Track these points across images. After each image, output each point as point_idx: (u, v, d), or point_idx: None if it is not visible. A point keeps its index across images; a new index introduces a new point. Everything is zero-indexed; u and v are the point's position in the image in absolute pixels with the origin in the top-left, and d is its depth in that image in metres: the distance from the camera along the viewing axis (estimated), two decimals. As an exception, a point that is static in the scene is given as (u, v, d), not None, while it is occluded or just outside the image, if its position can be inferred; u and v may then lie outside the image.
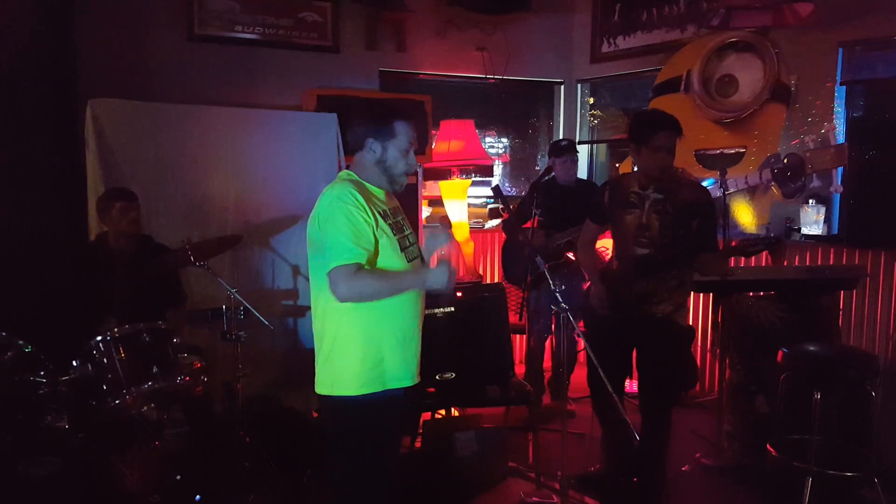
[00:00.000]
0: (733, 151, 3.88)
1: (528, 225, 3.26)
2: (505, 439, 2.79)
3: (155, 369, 2.27)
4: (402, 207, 1.88)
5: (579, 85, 4.83)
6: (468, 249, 4.17)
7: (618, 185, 2.53)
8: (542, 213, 3.28)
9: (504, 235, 3.88)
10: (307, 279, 3.46)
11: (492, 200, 4.74)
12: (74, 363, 2.22)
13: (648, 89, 4.24)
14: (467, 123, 4.23)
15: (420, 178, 3.92)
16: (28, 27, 2.86)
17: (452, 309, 2.75)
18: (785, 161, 3.66)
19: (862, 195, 3.34)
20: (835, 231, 3.61)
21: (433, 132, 4.27)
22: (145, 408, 2.30)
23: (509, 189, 4.95)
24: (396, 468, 1.87)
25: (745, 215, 3.84)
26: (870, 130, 3.38)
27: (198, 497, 2.25)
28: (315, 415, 2.95)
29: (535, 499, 2.58)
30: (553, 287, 1.90)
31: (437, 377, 2.65)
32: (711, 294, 3.50)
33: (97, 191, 2.83)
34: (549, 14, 4.63)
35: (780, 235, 3.02)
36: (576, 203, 3.34)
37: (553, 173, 3.51)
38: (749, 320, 2.90)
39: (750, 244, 2.52)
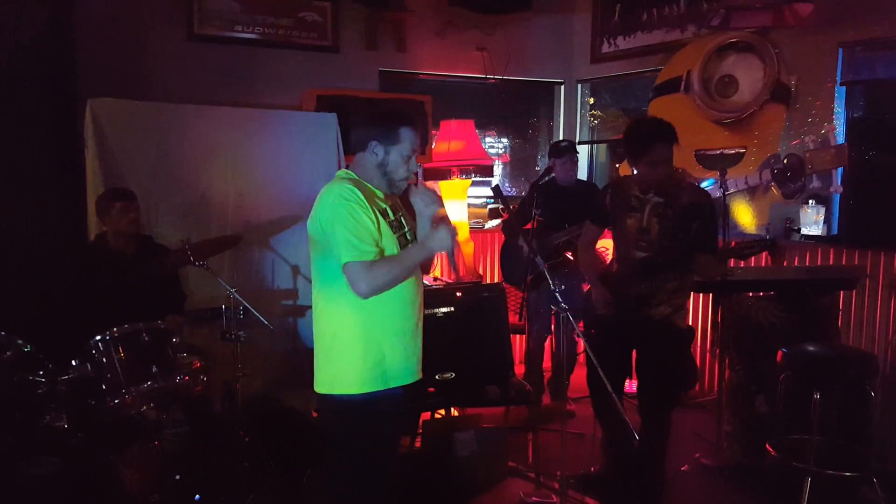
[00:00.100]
0: (733, 152, 3.88)
1: (529, 226, 3.26)
2: (504, 439, 2.79)
3: (154, 369, 2.27)
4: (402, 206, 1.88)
5: (579, 85, 4.83)
6: (468, 249, 4.17)
7: (619, 187, 2.54)
8: (542, 213, 3.28)
9: (503, 236, 3.88)
10: (306, 279, 3.49)
11: (492, 200, 4.74)
12: (73, 363, 2.22)
13: (648, 90, 4.24)
14: (467, 123, 4.23)
15: (420, 178, 3.92)
16: (28, 27, 2.86)
17: (452, 309, 2.75)
18: (785, 161, 3.67)
19: (862, 196, 3.34)
20: (834, 231, 3.61)
21: (433, 132, 4.27)
22: (144, 407, 2.30)
23: (509, 189, 4.95)
24: (396, 468, 1.87)
25: (744, 216, 3.85)
26: (870, 131, 3.38)
27: (197, 497, 2.25)
28: (314, 414, 2.95)
29: (534, 499, 2.58)
30: (553, 287, 1.90)
31: (436, 377, 2.65)
32: (711, 294, 3.50)
33: (97, 190, 2.83)
34: (550, 14, 4.63)
35: (776, 238, 3.02)
36: (575, 203, 3.35)
37: (553, 174, 3.51)
38: (749, 320, 2.90)
39: (745, 247, 2.52)
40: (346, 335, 1.69)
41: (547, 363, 3.71)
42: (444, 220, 1.69)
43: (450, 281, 3.98)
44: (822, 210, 3.63)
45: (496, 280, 4.22)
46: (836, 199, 3.62)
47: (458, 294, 2.81)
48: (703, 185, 3.78)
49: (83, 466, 2.08)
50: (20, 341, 2.16)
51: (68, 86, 3.11)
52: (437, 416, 2.96)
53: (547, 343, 3.67)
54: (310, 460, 2.54)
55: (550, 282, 1.89)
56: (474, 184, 4.39)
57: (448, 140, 4.18)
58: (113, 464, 2.10)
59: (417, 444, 2.74)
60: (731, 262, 2.74)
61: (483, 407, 2.88)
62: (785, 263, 3.51)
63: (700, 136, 3.93)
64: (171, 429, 2.43)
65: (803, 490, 2.36)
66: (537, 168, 4.95)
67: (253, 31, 3.96)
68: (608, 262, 2.78)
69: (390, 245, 1.69)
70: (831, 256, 3.36)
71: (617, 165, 4.76)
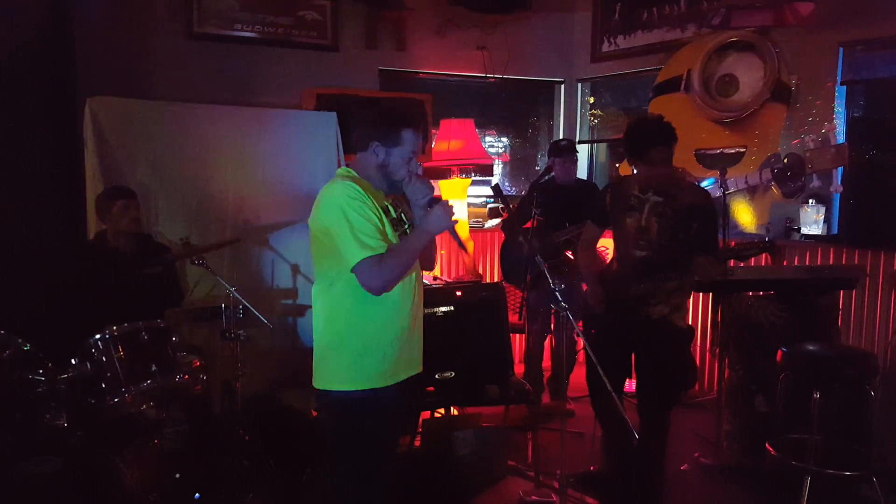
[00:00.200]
0: (733, 151, 3.88)
1: (528, 225, 3.26)
2: (504, 438, 2.80)
3: (154, 368, 2.27)
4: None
5: (579, 84, 4.83)
6: (468, 249, 4.17)
7: (619, 187, 2.55)
8: (542, 212, 3.28)
9: (503, 235, 3.88)
10: (306, 278, 3.49)
11: (492, 200, 4.74)
12: (73, 361, 2.22)
13: (649, 89, 4.24)
14: (467, 123, 4.23)
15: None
16: (27, 26, 2.86)
17: (452, 308, 2.75)
18: (785, 161, 3.66)
19: (862, 195, 3.34)
20: (834, 231, 3.61)
21: (433, 131, 4.27)
22: (144, 406, 2.30)
23: (509, 188, 4.95)
24: (395, 467, 1.87)
25: (745, 215, 3.84)
26: (870, 130, 3.38)
27: (197, 495, 2.25)
28: (314, 413, 2.95)
29: (534, 497, 2.58)
30: (552, 286, 1.90)
31: (436, 376, 2.65)
32: (711, 294, 3.50)
33: (96, 189, 2.83)
34: (550, 13, 4.62)
35: (774, 239, 3.03)
36: (575, 203, 3.35)
37: (552, 173, 3.51)
38: (749, 320, 2.90)
39: (744, 248, 2.52)
40: (346, 332, 1.70)
41: (546, 362, 3.71)
42: (439, 200, 1.69)
43: (449, 280, 3.98)
44: (823, 209, 3.62)
45: (496, 279, 4.22)
46: (837, 198, 3.62)
47: (458, 293, 2.81)
48: (704, 184, 3.77)
49: (83, 465, 2.08)
50: (20, 340, 2.16)
51: (67, 84, 3.11)
52: (436, 415, 2.97)
53: (546, 342, 3.67)
54: (309, 459, 2.54)
55: (550, 281, 1.89)
56: (474, 183, 4.38)
57: (448, 139, 4.18)
58: (113, 462, 2.10)
59: (417, 443, 2.74)
60: (731, 263, 2.74)
61: (482, 406, 2.87)
62: (785, 263, 3.51)
63: (700, 136, 3.93)
64: (171, 427, 2.43)
65: (803, 489, 2.36)
66: (537, 167, 4.95)
67: (252, 30, 3.95)
68: (608, 261, 2.78)
69: (393, 242, 1.69)
70: (831, 256, 3.36)
71: (617, 165, 4.75)
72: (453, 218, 1.68)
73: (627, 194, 2.47)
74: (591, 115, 4.94)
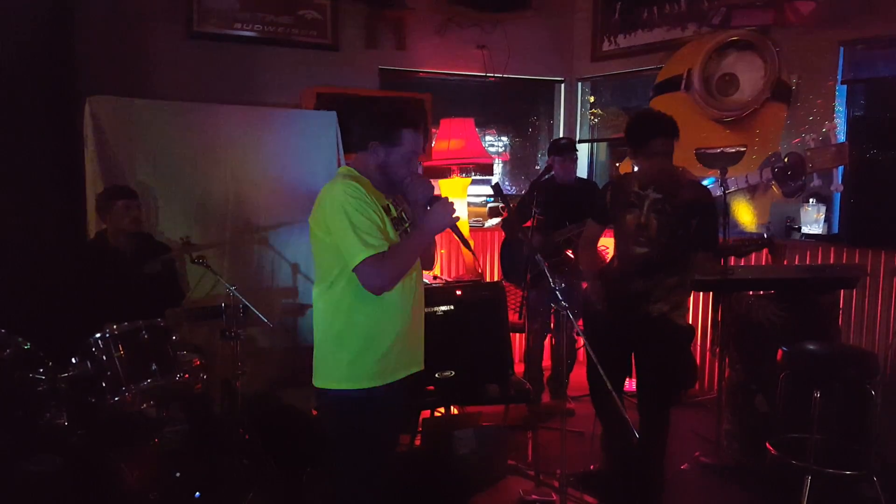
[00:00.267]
0: (734, 150, 3.88)
1: (528, 224, 3.26)
2: (504, 437, 2.79)
3: (154, 367, 2.27)
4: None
5: (579, 83, 4.83)
6: (471, 246, 4.17)
7: (619, 185, 2.55)
8: (542, 211, 3.28)
9: (503, 234, 3.88)
10: (306, 277, 3.49)
11: (492, 199, 4.74)
12: (73, 360, 2.22)
13: (649, 88, 4.24)
14: (467, 122, 4.23)
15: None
16: (27, 25, 2.86)
17: (452, 307, 2.75)
18: (785, 160, 3.66)
19: (862, 194, 3.33)
20: (835, 230, 3.60)
21: (433, 130, 4.26)
22: (144, 405, 2.30)
23: (509, 188, 4.95)
24: (395, 466, 1.87)
25: (745, 214, 3.84)
26: (871, 129, 3.38)
27: (197, 494, 2.25)
28: (314, 412, 2.95)
29: (534, 497, 2.58)
30: (553, 285, 1.90)
31: (436, 375, 2.65)
32: (711, 293, 3.49)
33: (96, 188, 2.83)
34: (550, 12, 4.62)
35: (772, 236, 3.03)
36: (575, 202, 3.34)
37: (552, 172, 3.51)
38: (749, 319, 2.89)
39: (743, 245, 2.52)
40: (346, 331, 1.70)
41: (546, 361, 3.71)
42: (439, 198, 1.69)
43: (449, 279, 3.98)
44: (823, 209, 3.62)
45: (496, 278, 4.22)
46: (837, 197, 3.62)
47: (458, 292, 2.80)
48: (704, 183, 3.77)
49: (83, 464, 2.08)
50: (20, 339, 2.17)
51: (67, 84, 3.11)
52: (436, 414, 2.97)
53: (546, 341, 3.66)
54: (309, 458, 2.54)
55: (550, 280, 1.89)
56: (474, 182, 4.38)
57: (448, 138, 4.18)
58: (113, 461, 2.10)
59: (417, 443, 2.74)
60: (732, 261, 2.74)
61: (483, 405, 2.88)
62: (785, 262, 3.50)
63: (700, 135, 3.93)
64: (171, 426, 2.43)
65: (803, 488, 2.36)
66: (537, 167, 4.94)
67: (252, 29, 3.95)
68: (608, 260, 2.78)
69: (394, 241, 1.69)
70: (832, 255, 3.36)
71: (617, 164, 4.75)
72: (454, 216, 1.68)
73: (628, 191, 2.47)
74: (592, 114, 4.94)
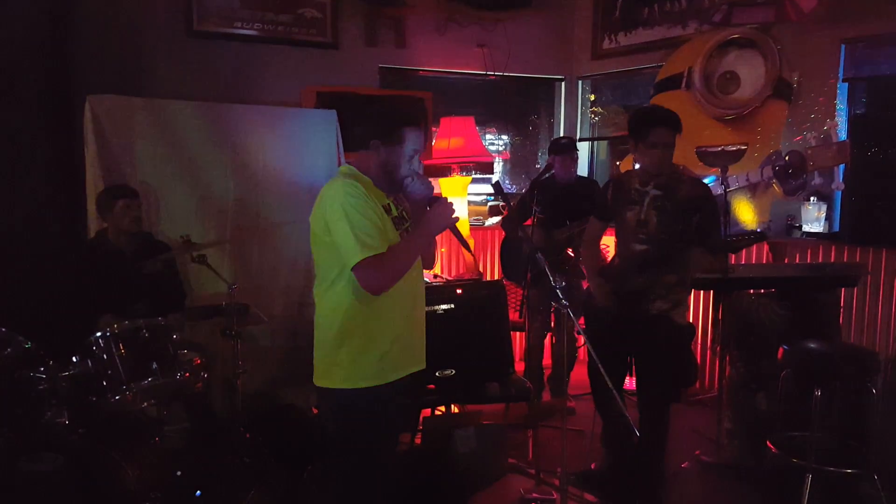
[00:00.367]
0: (734, 149, 3.87)
1: (528, 222, 3.26)
2: (504, 436, 2.80)
3: (155, 366, 2.27)
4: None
5: (580, 82, 4.82)
6: (470, 247, 4.17)
7: (620, 182, 2.55)
8: (542, 210, 3.28)
9: (503, 232, 3.88)
10: (307, 275, 3.48)
11: (492, 198, 4.74)
12: (74, 359, 2.22)
13: (650, 86, 4.23)
14: (467, 120, 4.22)
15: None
16: (27, 24, 2.85)
17: (452, 306, 2.75)
18: (786, 158, 3.65)
19: (863, 193, 3.33)
20: (836, 228, 3.60)
21: (433, 129, 4.26)
22: (145, 404, 2.30)
23: (510, 186, 4.95)
24: (396, 465, 1.87)
25: (746, 213, 3.84)
26: (872, 127, 3.37)
27: (198, 493, 2.25)
28: (315, 411, 2.95)
29: (534, 495, 2.59)
30: (553, 283, 1.90)
31: (436, 374, 2.65)
32: (712, 291, 3.49)
33: (96, 187, 2.83)
34: (550, 10, 4.61)
35: (765, 231, 3.03)
36: (575, 200, 3.34)
37: (553, 171, 3.50)
38: (750, 318, 2.89)
39: (737, 240, 2.52)
40: (347, 330, 1.70)
41: (547, 360, 3.71)
42: (439, 199, 1.69)
43: (450, 278, 3.98)
44: (824, 207, 3.62)
45: (496, 277, 4.22)
46: (838, 196, 3.61)
47: (459, 291, 2.80)
48: (705, 182, 3.76)
49: (84, 463, 2.08)
50: (21, 338, 2.17)
51: (67, 82, 3.11)
52: (437, 412, 2.97)
53: (547, 340, 3.67)
54: (310, 457, 2.55)
55: (551, 278, 1.89)
56: (474, 181, 4.38)
57: (448, 137, 4.18)
58: (114, 460, 2.10)
59: (418, 441, 2.75)
60: (732, 258, 2.73)
61: (483, 404, 2.88)
62: (786, 261, 3.50)
63: (701, 133, 3.92)
64: (172, 425, 2.43)
65: (804, 487, 2.36)
66: (538, 165, 4.94)
67: (252, 28, 3.95)
68: (609, 259, 2.78)
69: (395, 241, 1.69)
70: (833, 253, 3.35)
71: (618, 163, 4.74)
72: (454, 216, 1.68)
73: (628, 188, 2.48)
74: (592, 112, 4.93)
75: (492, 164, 4.29)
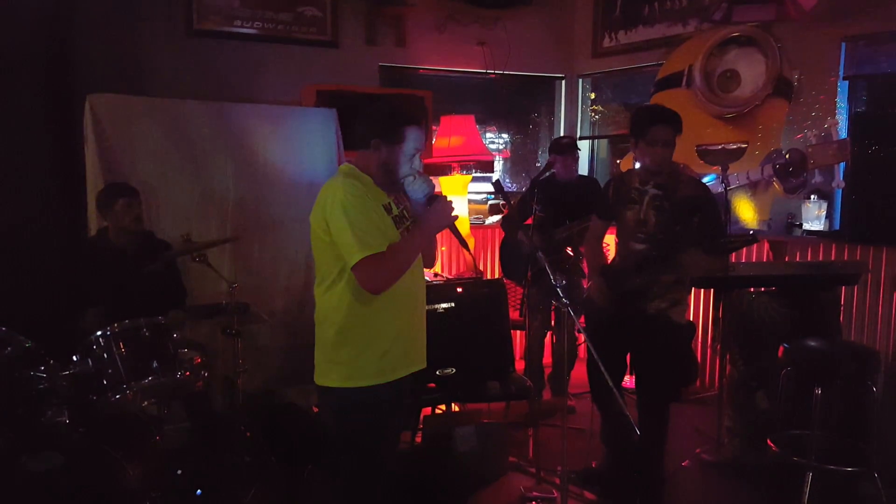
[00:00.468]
0: (735, 147, 3.87)
1: (529, 221, 3.26)
2: (505, 435, 2.80)
3: (155, 364, 2.27)
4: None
5: (580, 80, 4.81)
6: (469, 246, 4.16)
7: (621, 181, 2.56)
8: (542, 208, 3.28)
9: (503, 231, 3.87)
10: (307, 274, 3.48)
11: (492, 196, 4.73)
12: (75, 358, 2.22)
13: (650, 84, 4.23)
14: (468, 119, 4.22)
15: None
16: (27, 23, 2.85)
17: (453, 305, 2.75)
18: (787, 156, 3.65)
19: (864, 191, 3.33)
20: (836, 227, 3.60)
21: (433, 127, 4.26)
22: (146, 403, 2.30)
23: (510, 185, 4.94)
24: (397, 463, 1.87)
25: (746, 211, 3.84)
26: (872, 125, 3.37)
27: (198, 492, 2.25)
28: (315, 410, 2.95)
29: (535, 493, 2.59)
30: (553, 282, 1.90)
31: (437, 373, 2.65)
32: (712, 290, 3.49)
33: (96, 186, 2.82)
34: (550, 8, 4.61)
35: (757, 233, 3.03)
36: (576, 199, 3.34)
37: (553, 169, 3.50)
38: (750, 316, 2.89)
39: (729, 241, 2.51)
40: (348, 329, 1.70)
41: (547, 359, 3.71)
42: (439, 197, 1.69)
43: (450, 277, 3.98)
44: (824, 205, 3.61)
45: (496, 276, 4.22)
46: (839, 194, 3.61)
47: (459, 290, 2.80)
48: (705, 180, 3.76)
49: (84, 462, 2.08)
50: (21, 337, 2.16)
51: (67, 81, 3.11)
52: (437, 411, 2.97)
53: (547, 339, 3.67)
54: (311, 455, 2.55)
55: (551, 276, 1.89)
56: (475, 179, 4.38)
57: (448, 135, 4.17)
58: (114, 459, 2.10)
59: (418, 440, 2.75)
60: (733, 257, 2.73)
61: (483, 402, 2.88)
62: (786, 259, 3.50)
63: (702, 131, 3.92)
64: (172, 424, 2.43)
65: (804, 485, 2.36)
66: (538, 164, 4.94)
67: (252, 27, 3.94)
68: (610, 257, 2.78)
69: (395, 240, 1.69)
70: (833, 252, 3.35)
71: (618, 161, 4.74)
72: (453, 214, 1.68)
73: (629, 187, 2.48)
74: (592, 111, 4.93)
75: (492, 162, 4.29)
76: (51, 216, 2.89)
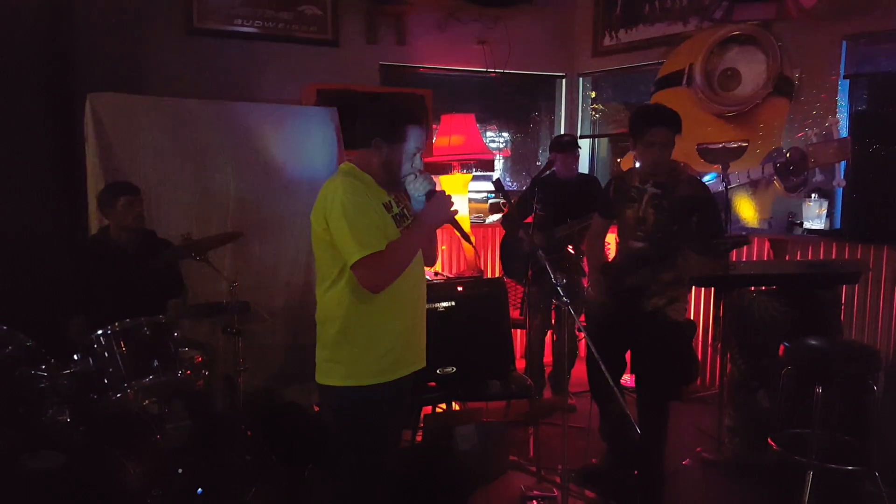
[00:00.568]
0: (735, 145, 3.86)
1: (529, 220, 3.26)
2: (505, 433, 2.80)
3: (156, 363, 2.28)
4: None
5: (581, 79, 4.81)
6: (471, 239, 4.16)
7: (622, 179, 2.58)
8: (543, 207, 3.28)
9: (503, 230, 3.87)
10: (307, 272, 3.48)
11: (493, 195, 4.73)
12: (75, 357, 2.22)
13: (651, 83, 4.22)
14: (468, 118, 4.22)
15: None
16: (27, 22, 2.85)
17: (453, 303, 2.75)
18: (787, 155, 3.65)
19: (865, 190, 3.32)
20: (837, 225, 3.60)
21: (434, 126, 4.25)
22: (146, 402, 2.30)
23: (510, 184, 4.94)
24: (397, 461, 1.87)
25: (747, 210, 3.83)
26: (873, 124, 3.36)
27: (199, 490, 2.25)
28: (316, 408, 2.95)
29: (535, 492, 2.59)
30: (554, 280, 1.90)
31: (437, 371, 2.65)
32: (713, 288, 3.49)
33: (97, 185, 2.82)
34: (551, 7, 4.60)
35: (757, 232, 3.05)
36: (576, 197, 3.34)
37: (554, 168, 3.50)
38: (751, 315, 2.89)
39: (720, 243, 2.52)
40: (349, 328, 1.70)
41: (548, 357, 3.71)
42: (437, 192, 1.69)
43: (451, 276, 3.98)
44: (825, 204, 3.61)
45: (497, 274, 4.22)
46: (839, 193, 3.60)
47: (459, 289, 2.80)
48: (706, 179, 3.76)
49: (85, 461, 2.08)
50: (22, 336, 2.17)
51: (67, 80, 3.11)
52: (438, 410, 2.97)
53: (547, 337, 3.67)
54: (311, 454, 2.55)
55: (552, 275, 1.89)
56: (475, 178, 4.37)
57: (449, 134, 4.17)
58: (115, 458, 2.10)
59: (418, 439, 2.75)
60: (733, 256, 2.73)
61: (484, 401, 2.88)
62: (787, 258, 3.50)
63: (702, 130, 3.92)
64: (173, 423, 2.43)
65: (805, 484, 2.36)
66: (538, 163, 4.93)
67: (252, 25, 3.94)
68: (610, 255, 2.78)
69: (395, 238, 1.69)
70: (834, 251, 3.35)
71: (619, 160, 4.74)
72: (452, 209, 1.68)
73: (629, 186, 2.50)
74: (593, 109, 4.92)
75: (492, 161, 4.28)
76: (51, 215, 2.89)
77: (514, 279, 3.62)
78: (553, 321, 3.56)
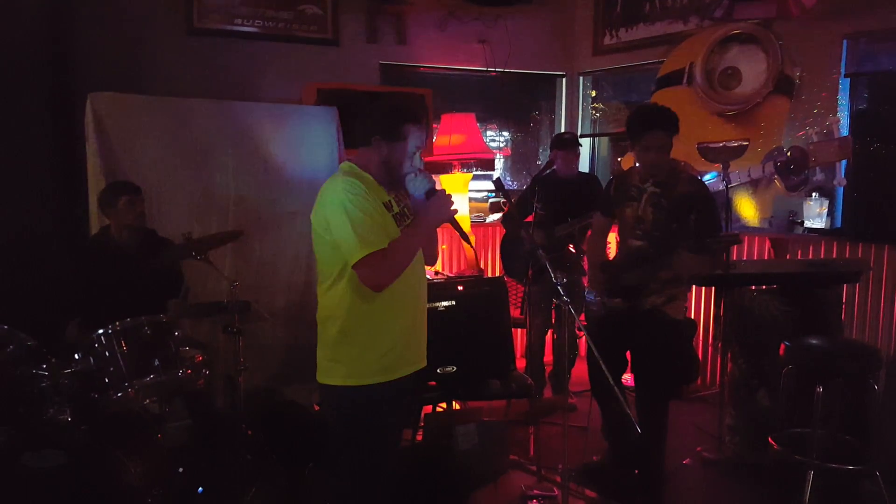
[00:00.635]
0: (736, 144, 3.86)
1: (529, 219, 3.26)
2: (506, 432, 2.80)
3: (157, 362, 2.28)
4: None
5: (581, 78, 4.81)
6: (471, 239, 4.16)
7: (622, 178, 2.59)
8: (543, 206, 3.28)
9: (504, 229, 3.87)
10: (308, 272, 3.48)
11: (493, 194, 4.73)
12: (76, 356, 2.22)
13: (651, 82, 4.22)
14: (468, 117, 4.22)
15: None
16: (27, 22, 2.85)
17: (454, 303, 2.75)
18: (788, 154, 3.64)
19: (865, 188, 3.32)
20: (838, 224, 3.59)
21: (434, 125, 4.25)
22: (147, 401, 2.30)
23: (511, 183, 4.94)
24: (397, 461, 1.87)
25: (747, 209, 3.83)
26: (874, 123, 3.36)
27: (200, 490, 2.26)
28: (317, 408, 2.95)
29: (536, 491, 2.59)
30: (554, 279, 1.90)
31: (438, 371, 2.65)
32: (713, 287, 3.49)
33: (98, 185, 2.83)
34: (551, 6, 4.60)
35: (739, 234, 3.06)
36: (577, 196, 3.34)
37: (554, 166, 3.50)
38: (751, 314, 2.89)
39: (712, 242, 2.51)
40: (350, 327, 1.70)
41: (548, 357, 3.71)
42: (437, 191, 1.69)
43: (451, 275, 3.98)
44: (826, 203, 3.61)
45: (498, 274, 4.22)
46: (840, 191, 3.60)
47: (460, 288, 2.80)
48: (706, 178, 3.76)
49: (86, 460, 2.08)
50: (23, 335, 2.17)
51: (68, 80, 3.11)
52: (438, 409, 2.97)
53: (548, 337, 3.67)
54: (312, 454, 2.55)
55: (552, 274, 1.89)
56: (475, 177, 4.37)
57: (449, 133, 4.17)
58: (116, 457, 2.11)
59: (419, 438, 2.75)
60: (734, 254, 2.73)
61: (484, 400, 2.88)
62: (788, 256, 3.50)
63: (703, 129, 3.91)
64: (174, 422, 2.43)
65: (806, 484, 2.36)
66: (539, 162, 4.93)
67: (253, 25, 3.94)
68: (611, 254, 2.79)
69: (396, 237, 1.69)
70: (834, 249, 3.35)
71: (619, 159, 4.74)
72: (452, 208, 1.68)
73: (629, 185, 2.50)
74: (593, 108, 4.92)
75: (493, 160, 4.28)
76: (52, 215, 2.90)
77: (515, 278, 3.62)
78: (553, 320, 3.56)
